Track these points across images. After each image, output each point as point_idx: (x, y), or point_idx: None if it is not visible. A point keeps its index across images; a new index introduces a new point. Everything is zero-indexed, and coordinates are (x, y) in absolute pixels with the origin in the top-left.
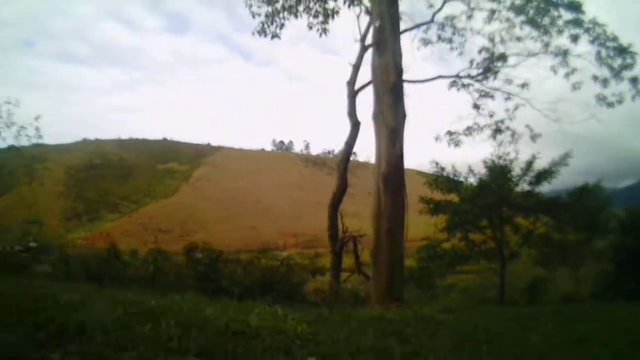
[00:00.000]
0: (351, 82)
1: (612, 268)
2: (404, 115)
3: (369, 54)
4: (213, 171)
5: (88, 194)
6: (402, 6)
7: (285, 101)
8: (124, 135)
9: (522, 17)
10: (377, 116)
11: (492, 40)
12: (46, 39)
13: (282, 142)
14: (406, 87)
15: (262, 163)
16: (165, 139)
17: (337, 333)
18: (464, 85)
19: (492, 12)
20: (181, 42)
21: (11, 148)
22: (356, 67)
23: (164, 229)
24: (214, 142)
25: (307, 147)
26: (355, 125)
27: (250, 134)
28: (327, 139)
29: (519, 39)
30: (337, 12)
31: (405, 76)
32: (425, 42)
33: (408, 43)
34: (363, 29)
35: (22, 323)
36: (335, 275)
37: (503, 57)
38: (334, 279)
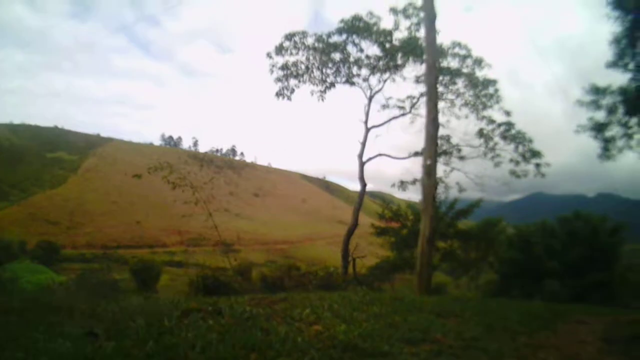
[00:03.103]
0: (360, 155)
1: (499, 277)
2: (437, 209)
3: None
4: (101, 163)
5: None
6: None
7: (178, 97)
8: (17, 120)
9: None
10: (424, 209)
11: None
12: None
13: (170, 138)
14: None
15: (151, 157)
16: (56, 127)
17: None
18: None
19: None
20: (83, 28)
21: None
22: (363, 144)
23: (52, 220)
24: (104, 133)
25: (195, 144)
26: (364, 186)
27: (140, 128)
28: (216, 137)
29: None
30: (334, 85)
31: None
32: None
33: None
34: (365, 113)
35: None
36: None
37: (458, 149)
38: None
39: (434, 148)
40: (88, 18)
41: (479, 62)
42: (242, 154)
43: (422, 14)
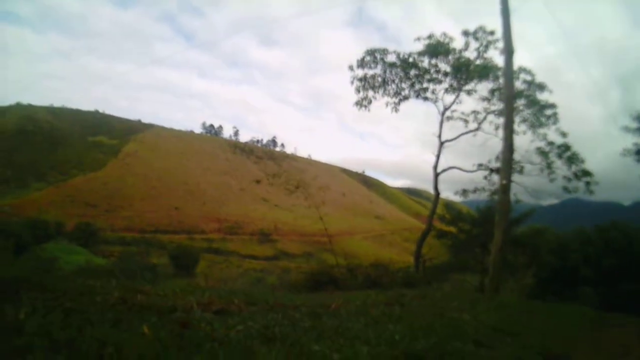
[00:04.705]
0: (435, 167)
1: (535, 280)
2: (509, 224)
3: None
4: (142, 148)
5: (18, 159)
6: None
7: (220, 86)
8: (57, 104)
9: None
10: (498, 222)
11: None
12: None
13: (211, 126)
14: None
15: (191, 145)
16: (97, 111)
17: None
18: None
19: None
20: (125, 15)
21: None
22: (437, 156)
23: (91, 202)
24: (145, 119)
25: (236, 133)
26: (437, 195)
27: (182, 115)
28: (257, 127)
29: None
30: (407, 98)
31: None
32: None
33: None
34: (439, 127)
35: None
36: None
37: (520, 166)
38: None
39: (509, 170)
40: (131, 5)
41: (541, 87)
42: (282, 145)
43: (490, 37)
